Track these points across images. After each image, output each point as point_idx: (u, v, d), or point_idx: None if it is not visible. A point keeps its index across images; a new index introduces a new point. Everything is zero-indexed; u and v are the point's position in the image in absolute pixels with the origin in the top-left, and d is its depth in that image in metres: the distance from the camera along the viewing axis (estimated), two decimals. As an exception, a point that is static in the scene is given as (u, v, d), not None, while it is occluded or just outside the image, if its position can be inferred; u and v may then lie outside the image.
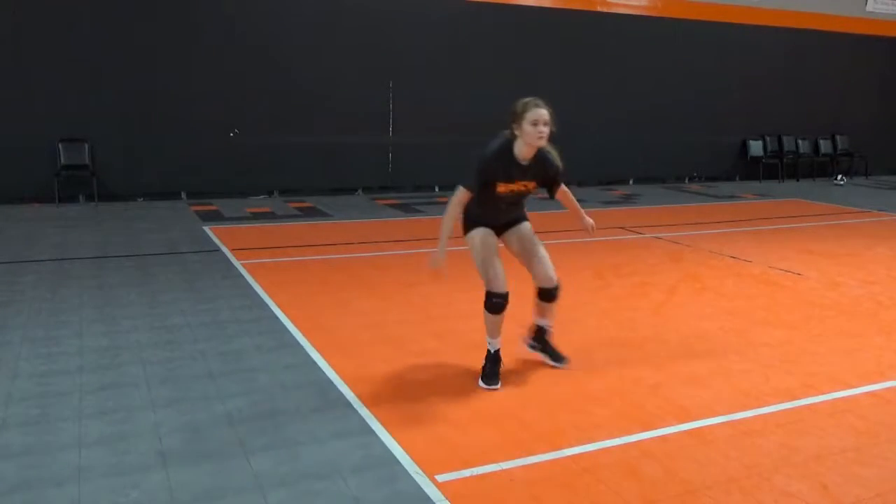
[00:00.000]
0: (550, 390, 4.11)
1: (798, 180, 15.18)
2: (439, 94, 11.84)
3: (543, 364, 4.47)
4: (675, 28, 13.53)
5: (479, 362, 4.36)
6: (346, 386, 4.06)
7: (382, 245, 7.91)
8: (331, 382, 4.12)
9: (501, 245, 4.30)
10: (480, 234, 4.18)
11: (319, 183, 11.45)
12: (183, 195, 10.75)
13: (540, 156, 4.06)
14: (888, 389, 4.23)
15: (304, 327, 5.04)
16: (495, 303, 4.10)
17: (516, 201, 4.22)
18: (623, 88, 13.25)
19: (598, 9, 13.04)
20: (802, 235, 9.06)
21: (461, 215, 4.18)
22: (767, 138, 15.06)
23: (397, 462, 3.26)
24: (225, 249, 7.41)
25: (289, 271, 6.63)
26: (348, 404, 3.83)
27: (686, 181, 14.50)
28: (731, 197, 12.58)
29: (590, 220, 4.49)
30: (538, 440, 3.50)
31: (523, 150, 4.01)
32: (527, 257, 4.31)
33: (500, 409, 3.85)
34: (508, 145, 4.02)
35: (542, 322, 4.48)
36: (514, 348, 4.76)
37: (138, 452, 3.28)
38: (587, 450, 3.42)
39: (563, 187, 4.33)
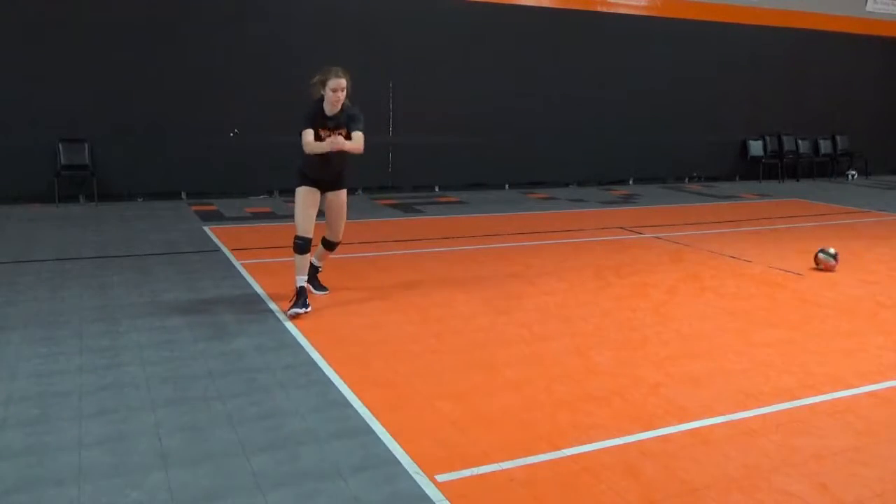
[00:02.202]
0: (550, 390, 4.11)
1: (798, 180, 15.19)
2: (439, 94, 11.84)
3: (543, 364, 4.47)
4: (660, 26, 13.54)
5: (479, 362, 4.41)
6: (346, 386, 4.06)
7: (382, 245, 7.91)
8: (331, 382, 4.12)
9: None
10: (304, 189, 5.53)
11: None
12: (183, 195, 10.75)
13: (345, 110, 5.32)
14: (888, 389, 4.23)
15: (303, 327, 5.04)
16: (298, 244, 5.40)
17: (338, 161, 5.41)
18: (623, 88, 13.25)
19: (598, 9, 13.05)
20: (802, 235, 9.06)
21: (298, 168, 5.61)
22: (767, 138, 15.06)
23: (397, 462, 3.25)
24: (225, 249, 7.41)
25: (289, 271, 6.60)
26: (348, 404, 3.83)
27: (686, 181, 14.50)
28: (731, 197, 12.58)
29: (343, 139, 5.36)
30: (538, 440, 3.49)
31: (328, 108, 5.28)
32: (331, 217, 5.66)
33: (500, 409, 3.85)
34: (319, 104, 5.34)
35: (317, 262, 5.89)
36: (512, 350, 4.76)
37: (138, 452, 3.28)
38: (587, 450, 3.41)
39: (356, 134, 5.34)
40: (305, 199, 5.53)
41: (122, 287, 5.95)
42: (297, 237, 5.43)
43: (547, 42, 12.58)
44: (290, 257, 7.25)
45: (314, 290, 5.79)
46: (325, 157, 5.32)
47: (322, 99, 5.32)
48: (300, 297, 5.34)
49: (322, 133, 5.31)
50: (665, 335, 5.11)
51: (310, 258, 5.63)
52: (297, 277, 5.42)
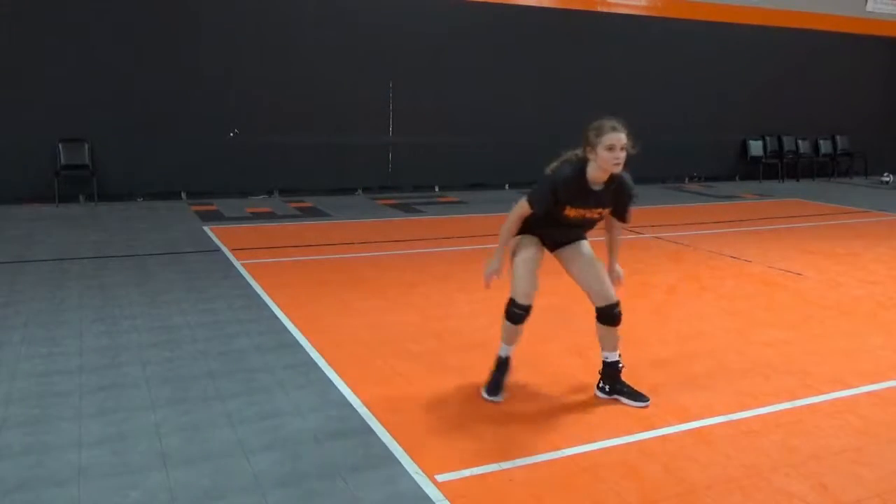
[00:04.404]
0: (550, 390, 4.10)
1: (798, 180, 15.19)
2: (439, 94, 11.84)
3: (543, 364, 4.46)
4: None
5: (479, 362, 4.33)
6: (345, 386, 4.06)
7: (382, 245, 7.91)
8: (331, 382, 4.11)
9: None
10: (529, 241, 3.92)
11: (319, 183, 11.46)
12: (183, 195, 10.75)
13: (615, 181, 3.75)
14: (888, 389, 4.23)
15: (304, 327, 5.04)
16: (516, 313, 3.87)
17: (582, 225, 3.94)
18: (623, 88, 13.24)
19: (598, 9, 13.04)
20: (802, 235, 9.05)
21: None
22: (767, 138, 15.06)
23: (397, 462, 3.25)
24: (225, 249, 7.41)
25: (289, 271, 6.63)
26: (348, 404, 3.83)
27: (686, 181, 14.50)
28: (731, 197, 12.58)
29: (619, 269, 4.13)
30: (538, 440, 3.49)
31: (597, 174, 3.68)
32: (582, 273, 3.95)
33: (500, 409, 3.85)
34: (582, 169, 3.70)
35: (610, 355, 3.96)
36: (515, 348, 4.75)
37: (138, 452, 3.28)
38: (587, 450, 3.41)
39: (623, 223, 4.01)
40: (529, 251, 3.90)
41: (122, 287, 5.95)
42: (515, 303, 3.87)
43: (547, 42, 12.58)
44: (290, 257, 7.28)
45: (630, 402, 3.89)
46: (572, 225, 3.91)
47: (584, 164, 3.72)
48: (501, 374, 3.97)
49: (569, 212, 3.77)
50: (665, 335, 5.11)
51: (601, 355, 3.98)
52: (503, 346, 4.00)
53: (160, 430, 3.49)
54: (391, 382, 4.17)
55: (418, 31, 11.61)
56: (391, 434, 3.50)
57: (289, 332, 4.97)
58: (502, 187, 12.66)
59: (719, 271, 7.04)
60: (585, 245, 4.02)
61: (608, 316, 3.89)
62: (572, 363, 4.52)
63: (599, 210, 3.81)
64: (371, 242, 8.00)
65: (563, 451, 3.39)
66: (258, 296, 5.81)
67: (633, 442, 3.50)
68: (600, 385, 4.00)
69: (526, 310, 3.86)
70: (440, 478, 3.12)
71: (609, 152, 3.59)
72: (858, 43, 15.51)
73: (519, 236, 3.94)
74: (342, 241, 8.07)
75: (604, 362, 3.99)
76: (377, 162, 11.77)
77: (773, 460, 3.35)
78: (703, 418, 3.77)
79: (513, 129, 12.40)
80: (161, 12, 10.15)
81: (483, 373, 4.28)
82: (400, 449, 3.37)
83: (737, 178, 14.92)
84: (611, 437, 3.55)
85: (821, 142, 15.73)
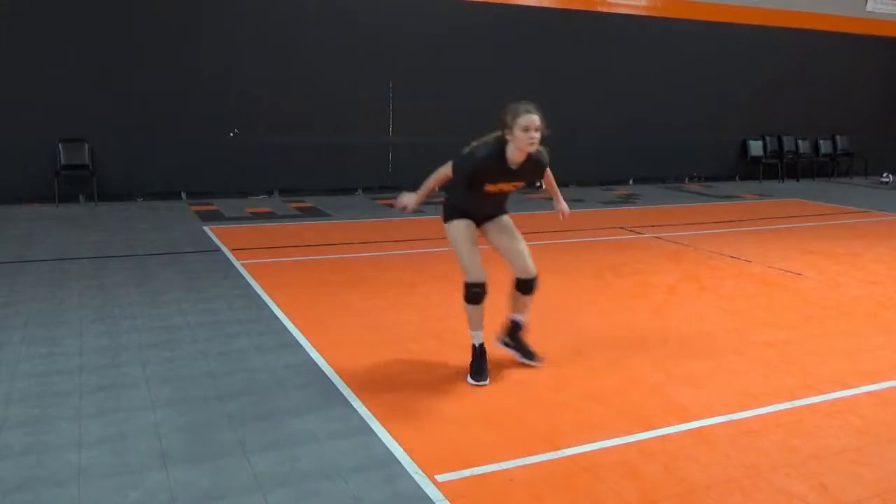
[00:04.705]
0: (550, 390, 4.10)
1: (798, 180, 15.19)
2: (439, 94, 11.84)
3: (543, 364, 4.47)
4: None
5: (479, 362, 4.38)
6: (345, 386, 4.06)
7: (382, 245, 7.91)
8: (331, 382, 4.11)
9: (480, 235, 4.33)
10: (460, 224, 4.21)
11: (319, 183, 11.45)
12: (183, 195, 10.75)
13: (532, 158, 4.06)
14: (888, 389, 4.23)
15: (304, 327, 5.04)
16: (474, 292, 4.14)
17: (502, 199, 4.30)
18: (623, 88, 13.25)
19: (598, 9, 13.04)
20: (802, 235, 9.06)
21: (446, 199, 4.31)
22: (767, 138, 15.06)
23: (397, 462, 3.25)
24: (225, 249, 7.41)
25: (289, 271, 6.63)
26: (348, 404, 3.83)
27: (686, 181, 14.50)
28: (731, 197, 12.58)
29: (564, 206, 4.62)
30: (538, 440, 3.49)
31: (515, 154, 4.00)
32: (506, 248, 4.31)
33: (500, 409, 3.85)
34: (501, 149, 4.01)
35: (516, 317, 4.43)
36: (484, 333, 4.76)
37: (138, 452, 3.28)
38: (587, 450, 3.41)
39: (547, 171, 4.40)
40: (465, 234, 4.19)
41: (122, 287, 5.95)
42: (470, 284, 4.14)
43: (547, 42, 12.58)
44: (290, 257, 7.28)
45: (524, 359, 4.42)
46: (492, 199, 4.22)
47: (503, 144, 4.00)
48: (480, 360, 4.23)
49: (488, 188, 4.08)
50: (665, 335, 5.11)
51: (508, 315, 4.44)
52: (472, 334, 4.26)
53: (160, 430, 3.49)
54: (391, 382, 4.17)
55: (418, 31, 11.61)
56: (391, 434, 3.51)
57: (289, 332, 4.97)
58: (502, 187, 12.65)
59: (719, 271, 7.04)
60: (507, 220, 4.36)
61: (526, 286, 4.32)
62: (572, 363, 4.52)
63: (515, 184, 4.16)
64: (371, 242, 8.00)
65: (563, 451, 3.39)
66: (258, 296, 5.81)
67: (633, 442, 3.50)
68: (501, 337, 4.49)
69: (482, 286, 4.14)
70: (440, 478, 3.12)
71: (524, 133, 3.90)
72: (858, 43, 15.51)
73: (451, 223, 4.24)
74: (342, 241, 8.08)
75: (511, 320, 4.44)
76: (377, 162, 11.77)
77: (773, 460, 3.35)
78: (703, 418, 3.77)
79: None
80: (161, 12, 10.15)
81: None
82: (400, 449, 3.37)
83: (737, 178, 14.92)
84: (611, 437, 3.54)
85: (821, 142, 15.72)
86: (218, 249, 7.44)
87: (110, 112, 10.04)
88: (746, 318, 5.54)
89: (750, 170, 14.90)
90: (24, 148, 9.69)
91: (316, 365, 4.37)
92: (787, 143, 15.26)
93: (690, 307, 5.83)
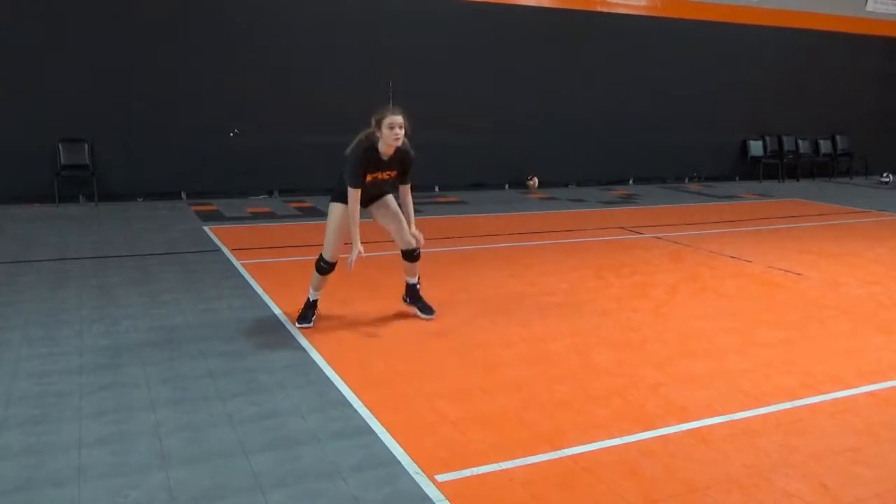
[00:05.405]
0: (550, 390, 4.10)
1: (798, 180, 15.19)
2: (439, 94, 11.83)
3: (543, 364, 4.47)
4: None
5: (479, 362, 4.41)
6: (345, 386, 4.06)
7: (383, 245, 7.90)
8: (331, 382, 4.11)
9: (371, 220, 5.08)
10: (339, 210, 4.96)
11: (319, 183, 11.43)
12: (183, 195, 10.76)
13: (399, 151, 4.88)
14: (888, 389, 4.23)
15: (303, 327, 5.04)
16: (323, 267, 5.05)
17: (382, 185, 5.05)
18: (623, 88, 13.25)
19: (598, 9, 13.05)
20: (802, 235, 9.06)
21: (337, 185, 5.00)
22: (767, 138, 15.07)
23: (397, 462, 3.25)
24: (225, 249, 7.41)
25: (289, 271, 6.63)
26: (348, 404, 3.83)
27: (686, 181, 14.50)
28: (731, 197, 12.58)
29: (416, 231, 5.17)
30: (538, 440, 3.49)
31: (385, 148, 4.83)
32: (389, 225, 5.19)
33: (500, 409, 3.85)
34: (373, 145, 4.84)
35: (411, 279, 5.38)
36: (512, 350, 4.76)
37: (138, 452, 3.28)
38: (587, 450, 3.41)
39: (408, 187, 5.10)
40: (341, 218, 4.98)
41: (122, 287, 5.95)
42: (323, 259, 5.08)
43: (547, 42, 12.58)
44: (290, 257, 7.29)
45: (422, 314, 5.32)
46: (371, 186, 4.97)
47: (375, 141, 4.85)
48: (309, 310, 5.14)
49: (367, 178, 4.88)
50: (665, 335, 5.11)
51: (404, 279, 5.39)
52: (312, 291, 5.17)
53: (160, 430, 3.49)
54: (391, 382, 4.17)
55: (418, 31, 11.61)
56: (391, 434, 3.50)
57: (288, 331, 4.97)
58: (502, 187, 12.65)
59: (719, 271, 7.04)
60: (391, 200, 5.20)
61: (409, 255, 5.26)
62: (572, 363, 4.52)
63: (388, 173, 4.96)
64: (370, 242, 7.97)
65: (563, 451, 3.39)
66: (258, 296, 5.81)
67: (633, 442, 3.50)
68: (405, 297, 5.42)
69: (331, 265, 5.06)
70: (440, 478, 3.12)
71: (390, 130, 4.75)
72: (859, 43, 15.51)
73: (334, 204, 4.99)
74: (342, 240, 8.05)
75: (407, 284, 5.39)
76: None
77: (773, 460, 3.35)
78: (703, 418, 3.77)
79: (513, 129, 12.40)
80: (161, 12, 10.15)
81: (484, 373, 4.32)
82: (400, 449, 3.36)
83: (737, 178, 14.92)
84: (611, 437, 3.54)
85: (821, 142, 15.73)
86: (218, 249, 7.44)
87: (110, 112, 10.04)
88: (746, 319, 5.54)
89: (750, 170, 14.91)
90: (24, 148, 9.69)
91: (316, 365, 4.37)
92: (787, 143, 15.28)
93: (691, 307, 5.83)
